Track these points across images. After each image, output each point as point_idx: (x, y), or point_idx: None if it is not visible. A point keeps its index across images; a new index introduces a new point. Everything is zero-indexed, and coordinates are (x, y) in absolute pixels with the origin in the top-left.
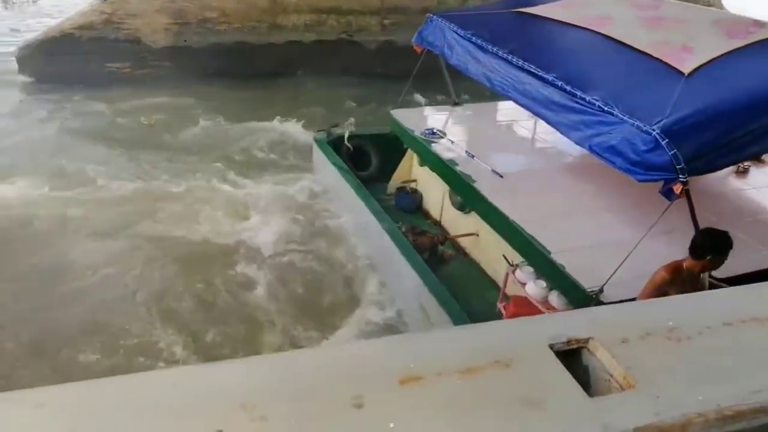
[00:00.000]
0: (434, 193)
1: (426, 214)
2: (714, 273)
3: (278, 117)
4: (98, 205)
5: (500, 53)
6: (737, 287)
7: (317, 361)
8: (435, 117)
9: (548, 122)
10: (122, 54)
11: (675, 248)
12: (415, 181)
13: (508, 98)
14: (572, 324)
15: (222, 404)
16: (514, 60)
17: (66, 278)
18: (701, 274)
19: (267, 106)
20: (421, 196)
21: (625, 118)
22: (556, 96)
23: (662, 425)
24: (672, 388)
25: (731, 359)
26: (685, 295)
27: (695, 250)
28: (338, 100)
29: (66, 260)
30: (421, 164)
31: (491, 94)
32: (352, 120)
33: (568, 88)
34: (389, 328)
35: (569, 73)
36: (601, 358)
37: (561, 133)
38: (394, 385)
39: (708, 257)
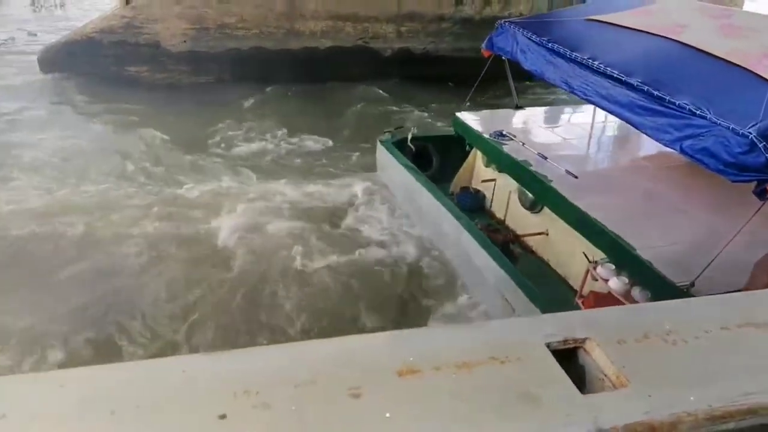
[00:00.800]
0: (499, 193)
1: (489, 214)
2: None
3: (295, 124)
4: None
5: (579, 59)
6: (735, 293)
7: (319, 352)
8: (500, 120)
9: (633, 125)
10: (142, 58)
11: (756, 247)
12: (494, 180)
13: (590, 102)
14: (570, 324)
15: (227, 391)
16: (596, 65)
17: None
18: None
19: (283, 112)
20: (484, 196)
21: (719, 121)
22: (642, 100)
23: (652, 422)
24: (664, 388)
25: (726, 362)
26: (683, 299)
27: None
28: (356, 105)
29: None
30: (487, 165)
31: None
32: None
33: (656, 92)
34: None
35: (653, 78)
36: (597, 357)
37: (647, 135)
38: (392, 377)
39: None
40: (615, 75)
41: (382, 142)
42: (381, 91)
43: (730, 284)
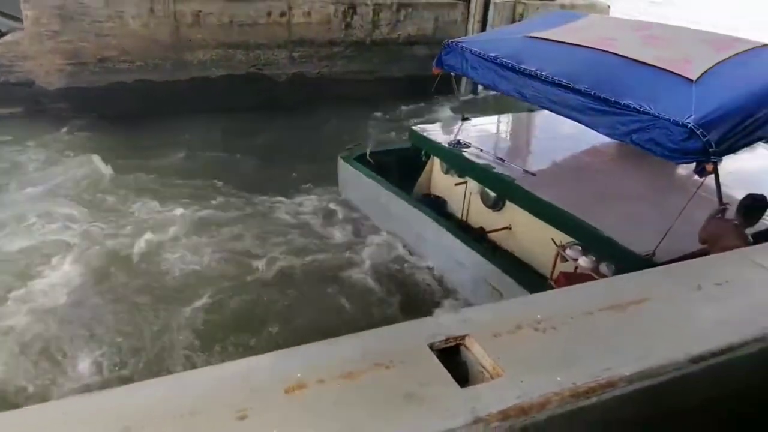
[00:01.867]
0: (459, 197)
1: (450, 217)
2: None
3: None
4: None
5: (529, 71)
6: (598, 281)
7: (203, 380)
8: (452, 130)
9: (586, 125)
10: (14, 98)
11: (701, 217)
12: (465, 183)
13: (544, 108)
14: (451, 323)
15: (108, 429)
16: (544, 75)
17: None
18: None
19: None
20: (444, 201)
21: (661, 115)
22: (592, 103)
23: (523, 405)
24: (535, 373)
25: (588, 343)
26: (553, 291)
27: (746, 210)
28: (252, 132)
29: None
30: (446, 172)
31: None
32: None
33: (603, 95)
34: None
35: (597, 83)
36: (476, 352)
37: (599, 132)
38: (279, 395)
39: (757, 216)
40: (564, 83)
41: (343, 158)
42: (278, 116)
43: (683, 249)
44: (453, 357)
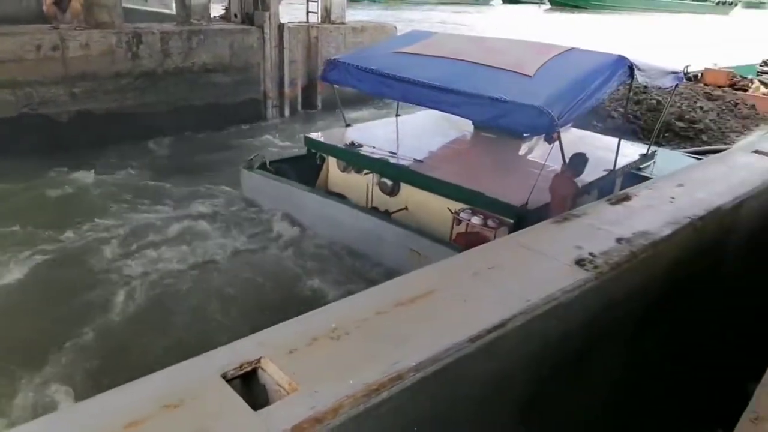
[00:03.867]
0: (357, 190)
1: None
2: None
3: None
4: None
5: (408, 79)
6: (389, 282)
7: None
8: (341, 135)
9: (461, 116)
10: None
11: (548, 178)
12: (369, 174)
13: (427, 107)
14: (244, 349)
15: None
16: (421, 81)
17: None
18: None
19: None
20: (344, 196)
21: (517, 101)
22: (464, 98)
23: (317, 415)
24: (329, 381)
25: (380, 342)
26: (346, 298)
27: (575, 166)
28: (22, 181)
29: None
30: (343, 170)
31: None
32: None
33: (471, 92)
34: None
35: (465, 83)
36: (272, 372)
37: (472, 120)
38: None
39: (582, 168)
40: (439, 85)
41: (246, 168)
42: (60, 161)
43: (545, 199)
44: (250, 382)
